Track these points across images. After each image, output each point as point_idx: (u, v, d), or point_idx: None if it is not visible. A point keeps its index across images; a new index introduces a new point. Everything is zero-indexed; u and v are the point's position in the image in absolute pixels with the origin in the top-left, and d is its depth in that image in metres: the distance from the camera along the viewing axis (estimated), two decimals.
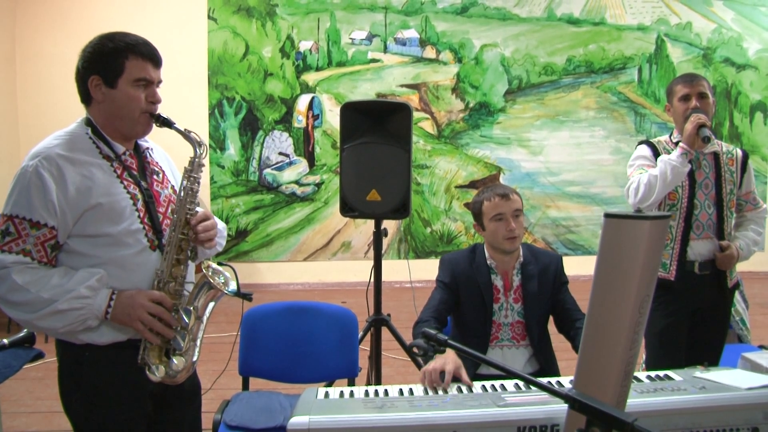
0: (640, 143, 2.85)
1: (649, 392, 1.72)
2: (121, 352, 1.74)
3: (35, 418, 3.53)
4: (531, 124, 6.91)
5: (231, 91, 6.59)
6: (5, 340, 2.18)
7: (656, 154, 2.74)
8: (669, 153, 2.70)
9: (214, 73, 6.55)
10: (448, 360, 1.91)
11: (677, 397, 1.66)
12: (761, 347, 2.98)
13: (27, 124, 6.38)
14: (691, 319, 2.74)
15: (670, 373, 1.94)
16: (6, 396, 3.70)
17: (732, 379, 1.81)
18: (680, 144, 2.60)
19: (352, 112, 3.07)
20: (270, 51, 6.61)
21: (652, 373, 1.94)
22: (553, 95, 6.91)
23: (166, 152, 2.04)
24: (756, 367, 2.05)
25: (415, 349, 1.44)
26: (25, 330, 2.22)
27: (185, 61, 6.46)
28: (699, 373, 1.93)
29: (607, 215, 1.28)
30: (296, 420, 1.54)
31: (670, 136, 2.80)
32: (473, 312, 2.48)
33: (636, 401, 1.64)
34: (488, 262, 2.51)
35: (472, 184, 6.86)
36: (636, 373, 1.95)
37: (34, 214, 1.64)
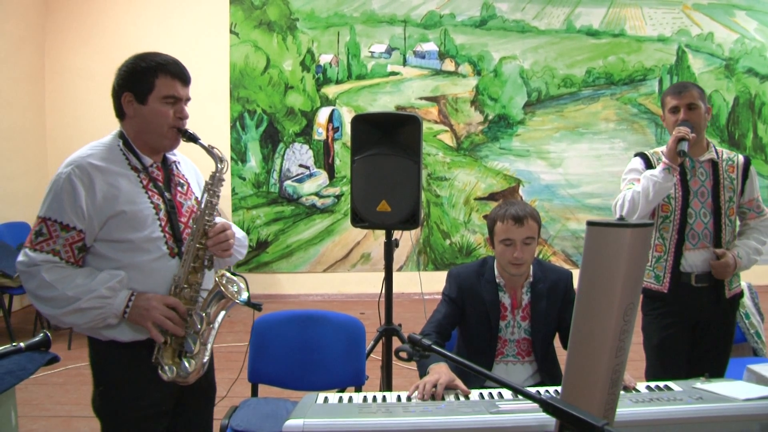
0: (635, 155, 2.80)
1: (644, 402, 1.72)
2: (142, 351, 1.85)
3: (54, 422, 3.62)
4: (550, 136, 6.90)
5: (252, 104, 6.70)
6: (22, 344, 2.25)
7: (649, 166, 2.70)
8: None
9: (236, 86, 6.67)
10: (442, 373, 1.97)
11: (671, 407, 1.67)
12: None
13: (55, 137, 6.57)
14: (693, 333, 2.68)
15: (670, 383, 1.94)
16: (27, 400, 3.80)
17: (731, 391, 1.80)
18: (662, 159, 2.56)
19: (362, 124, 3.12)
20: (291, 64, 6.72)
21: (652, 384, 1.94)
22: (572, 107, 6.89)
23: (195, 165, 2.17)
24: (761, 380, 2.02)
25: (401, 354, 1.47)
26: (41, 334, 2.29)
27: (208, 75, 6.58)
28: (699, 384, 1.92)
29: (590, 223, 1.30)
30: (291, 422, 1.58)
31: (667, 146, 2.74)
32: (479, 329, 2.46)
33: (630, 410, 1.65)
34: (497, 279, 2.47)
35: (492, 197, 6.86)
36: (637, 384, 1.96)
37: (64, 218, 1.77)
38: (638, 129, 6.90)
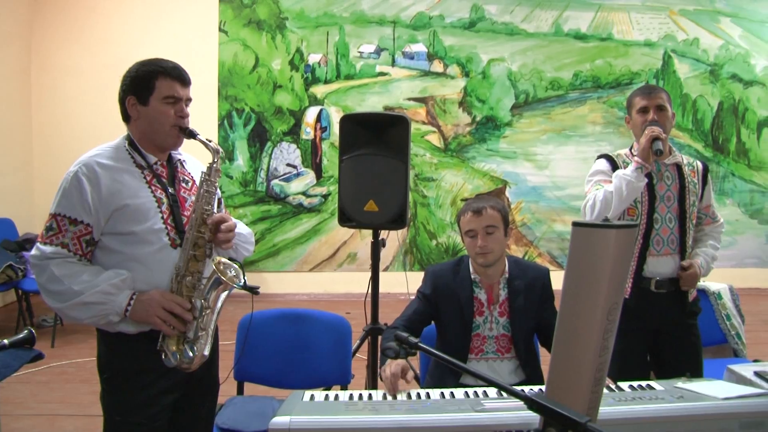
0: (599, 157, 2.77)
1: (626, 401, 1.75)
2: (149, 343, 1.92)
3: (38, 420, 3.59)
4: (537, 138, 6.94)
5: (240, 103, 6.69)
6: (5, 341, 2.24)
7: (614, 167, 2.66)
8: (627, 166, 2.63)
9: (224, 84, 6.65)
10: (392, 364, 2.04)
11: (653, 406, 1.69)
12: (755, 361, 2.97)
13: (41, 134, 6.51)
14: (654, 340, 2.66)
15: (652, 383, 1.97)
16: (10, 398, 3.77)
17: (711, 390, 1.83)
18: (634, 158, 2.53)
19: (351, 124, 3.13)
20: (279, 63, 6.71)
21: (635, 383, 1.97)
22: (559, 110, 6.94)
23: (201, 164, 2.23)
24: (741, 379, 2.07)
25: (388, 352, 1.48)
26: (26, 331, 2.28)
27: (196, 73, 6.51)
28: (681, 383, 1.95)
29: (575, 224, 1.32)
30: (277, 420, 1.59)
31: (630, 149, 2.72)
32: (452, 325, 2.48)
33: (612, 409, 1.67)
34: (472, 276, 2.49)
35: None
36: (619, 383, 1.98)
37: (72, 212, 1.88)
38: (624, 132, 6.94)
